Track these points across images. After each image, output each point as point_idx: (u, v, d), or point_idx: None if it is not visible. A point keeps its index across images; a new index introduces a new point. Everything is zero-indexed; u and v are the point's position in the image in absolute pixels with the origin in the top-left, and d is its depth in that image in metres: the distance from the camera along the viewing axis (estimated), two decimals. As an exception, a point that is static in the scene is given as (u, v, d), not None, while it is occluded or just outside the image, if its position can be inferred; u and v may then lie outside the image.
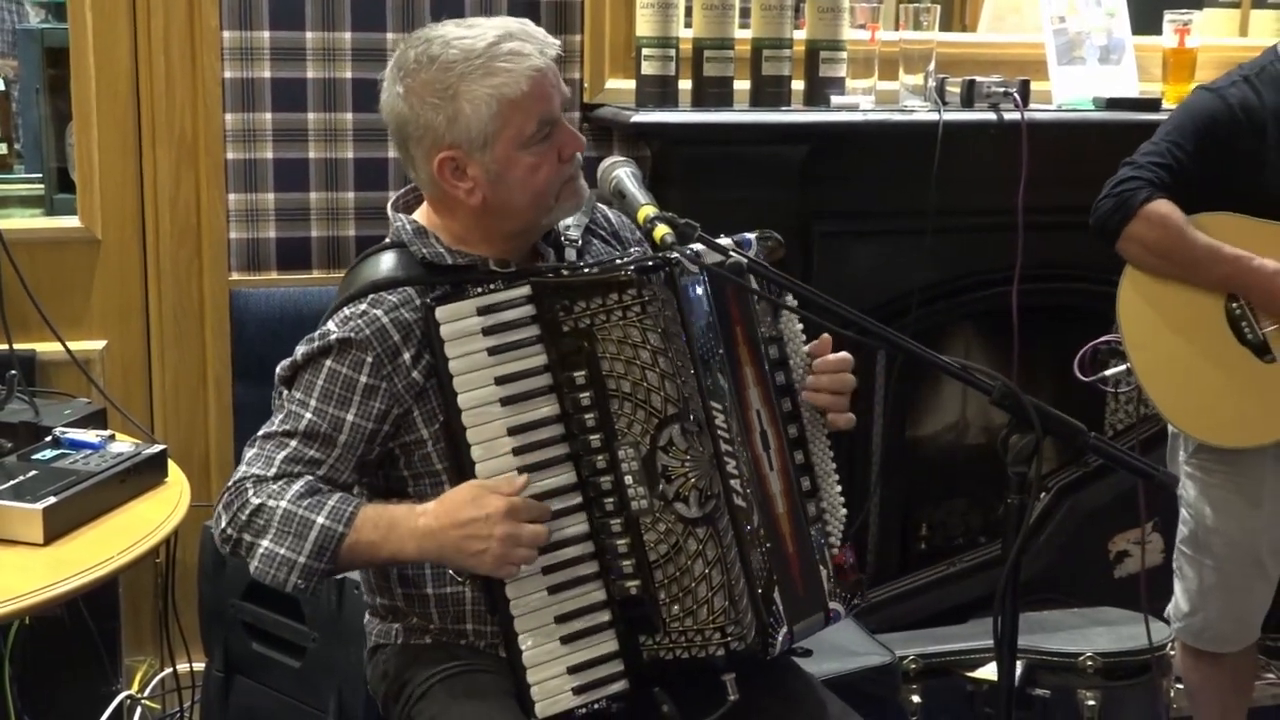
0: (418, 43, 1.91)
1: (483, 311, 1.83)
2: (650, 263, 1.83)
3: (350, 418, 1.87)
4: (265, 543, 1.82)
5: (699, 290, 1.86)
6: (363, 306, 1.90)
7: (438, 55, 1.88)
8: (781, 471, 1.94)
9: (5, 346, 2.69)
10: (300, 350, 1.91)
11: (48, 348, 2.88)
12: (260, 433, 1.90)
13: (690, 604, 1.83)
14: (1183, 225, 2.56)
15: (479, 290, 1.84)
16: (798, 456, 1.96)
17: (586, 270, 1.91)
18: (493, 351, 1.83)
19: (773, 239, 2.00)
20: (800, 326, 1.99)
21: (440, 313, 1.82)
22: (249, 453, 1.89)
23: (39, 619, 2.58)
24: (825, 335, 1.98)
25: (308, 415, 1.87)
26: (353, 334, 1.87)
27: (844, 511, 2.00)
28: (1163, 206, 2.55)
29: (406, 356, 1.88)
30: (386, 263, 1.95)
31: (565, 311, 1.83)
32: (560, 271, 1.91)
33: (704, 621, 1.83)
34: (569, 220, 2.03)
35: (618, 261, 1.92)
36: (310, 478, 1.86)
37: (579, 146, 1.95)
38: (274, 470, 1.85)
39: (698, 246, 1.83)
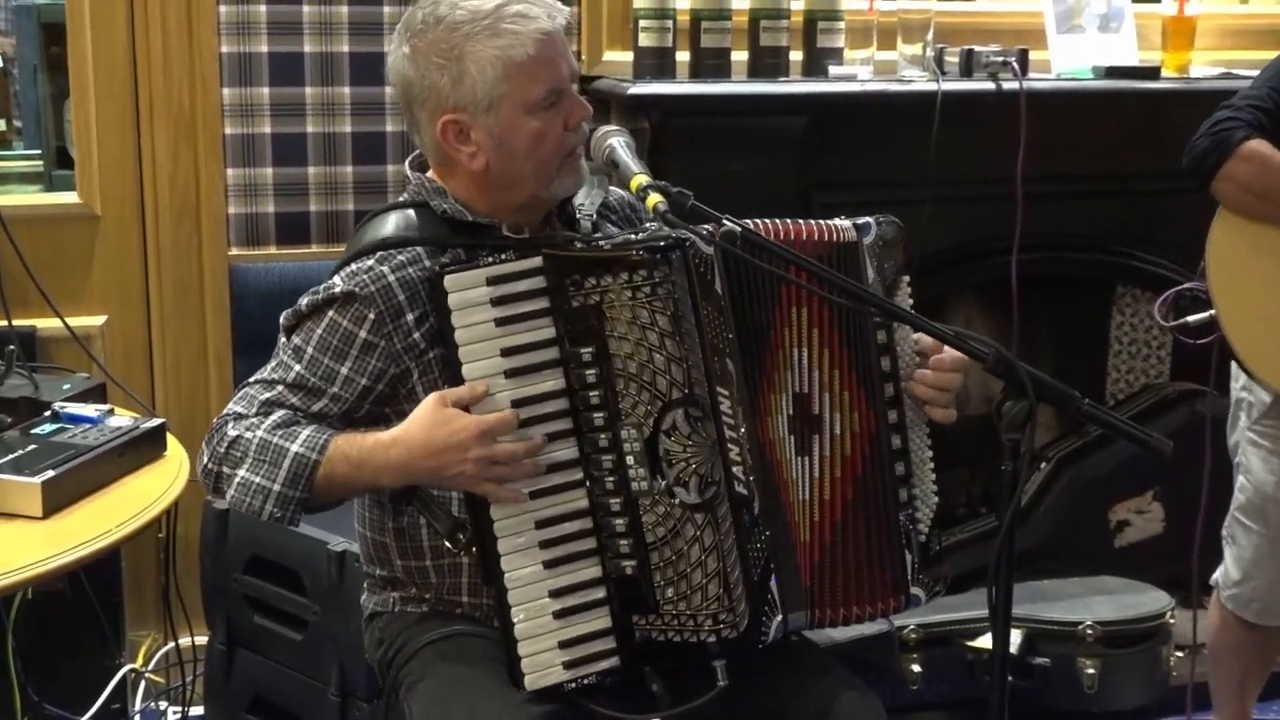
0: (426, 3, 1.90)
1: (492, 281, 1.79)
2: (663, 242, 1.79)
3: (345, 370, 1.88)
4: (241, 472, 1.83)
5: (716, 271, 1.81)
6: (369, 263, 1.90)
7: (444, 16, 1.87)
8: (853, 458, 1.90)
9: (4, 322, 2.70)
10: (304, 300, 1.91)
11: (47, 324, 2.88)
12: (251, 378, 1.92)
13: (684, 588, 1.81)
14: None
15: (490, 260, 1.82)
16: (894, 441, 1.92)
17: (602, 245, 1.88)
18: (500, 322, 1.80)
19: (893, 223, 1.93)
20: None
21: (449, 281, 1.79)
22: (236, 395, 1.91)
23: (43, 594, 2.59)
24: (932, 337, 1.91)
25: (298, 367, 1.88)
26: (357, 289, 1.87)
27: (935, 500, 1.97)
28: (1261, 145, 2.51)
29: (410, 317, 1.88)
30: (396, 221, 1.95)
31: (575, 286, 1.79)
32: (574, 244, 1.88)
33: (697, 607, 1.81)
34: (581, 199, 2.01)
35: (632, 238, 1.88)
36: (288, 411, 1.87)
37: (585, 114, 1.93)
38: (255, 409, 1.87)
39: (730, 225, 1.78)
